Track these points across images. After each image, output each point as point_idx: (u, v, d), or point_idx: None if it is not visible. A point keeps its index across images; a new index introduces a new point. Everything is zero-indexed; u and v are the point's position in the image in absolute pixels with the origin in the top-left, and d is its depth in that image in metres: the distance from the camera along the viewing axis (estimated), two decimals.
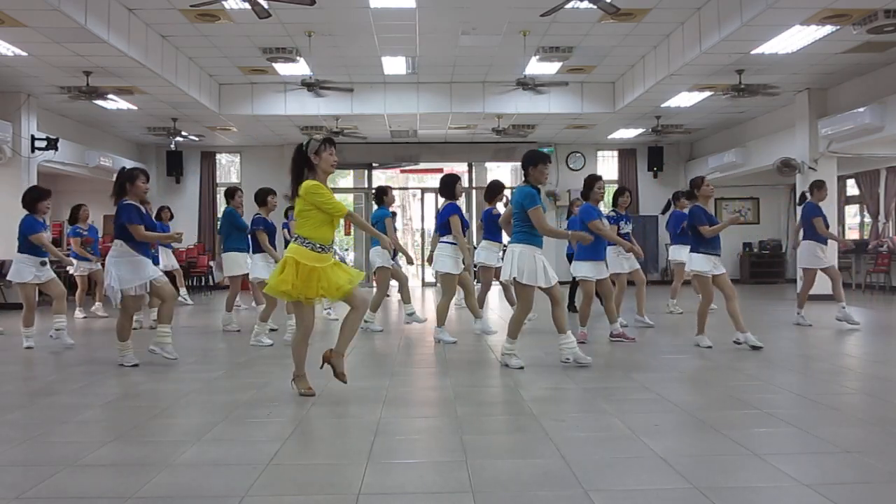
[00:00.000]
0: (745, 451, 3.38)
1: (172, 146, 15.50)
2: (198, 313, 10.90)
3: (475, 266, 8.34)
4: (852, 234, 16.11)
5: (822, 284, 12.12)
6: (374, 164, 17.60)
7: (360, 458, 3.34)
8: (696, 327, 6.77)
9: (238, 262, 8.19)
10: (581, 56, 11.28)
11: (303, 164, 4.63)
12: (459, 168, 19.09)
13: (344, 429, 3.98)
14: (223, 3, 8.38)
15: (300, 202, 4.54)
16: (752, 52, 9.68)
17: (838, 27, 8.69)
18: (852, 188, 15.67)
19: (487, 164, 18.63)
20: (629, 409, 4.33)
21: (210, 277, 15.73)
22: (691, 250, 6.77)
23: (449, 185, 7.42)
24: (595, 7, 7.98)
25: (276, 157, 16.71)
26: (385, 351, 6.89)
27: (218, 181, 17.48)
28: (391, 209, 8.63)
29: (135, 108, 12.66)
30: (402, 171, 19.94)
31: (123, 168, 6.25)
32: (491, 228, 7.99)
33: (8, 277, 7.56)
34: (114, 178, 6.03)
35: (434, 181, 20.23)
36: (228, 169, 18.28)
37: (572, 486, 2.92)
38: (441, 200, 7.55)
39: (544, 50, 10.85)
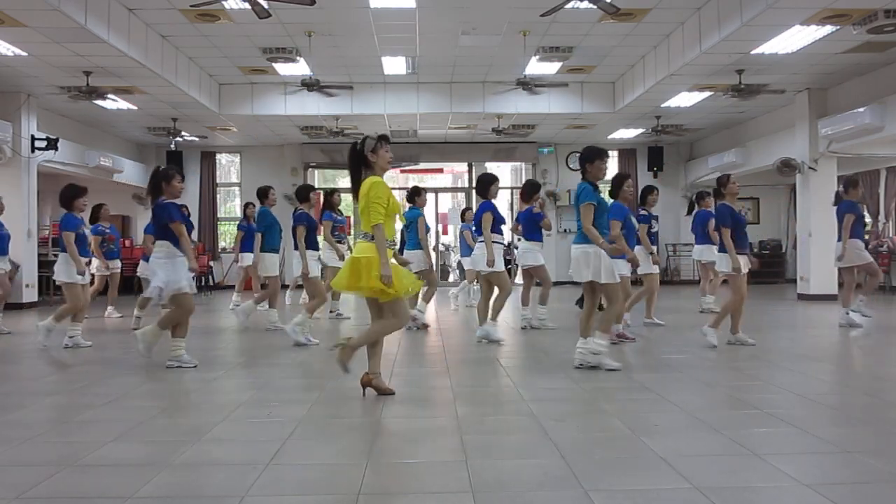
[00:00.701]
0: (745, 451, 3.38)
1: (172, 146, 15.50)
2: (198, 313, 10.86)
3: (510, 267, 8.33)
4: None
5: (822, 285, 12.16)
6: None
7: (360, 458, 3.34)
8: (712, 322, 6.69)
9: (270, 263, 8.26)
10: (581, 56, 11.28)
11: (360, 163, 4.62)
12: (459, 168, 19.11)
13: (344, 429, 3.98)
14: (223, 3, 8.39)
15: (364, 199, 4.50)
16: (752, 52, 9.68)
17: (838, 27, 8.69)
18: None
19: (487, 164, 18.63)
20: (629, 409, 4.33)
21: (210, 277, 15.73)
22: (719, 249, 6.77)
23: (485, 185, 7.41)
24: (595, 7, 7.98)
25: (276, 157, 16.73)
26: (385, 351, 6.87)
27: (218, 181, 17.51)
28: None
29: (135, 108, 12.66)
30: (402, 171, 19.94)
31: (158, 167, 6.12)
32: (530, 228, 8.00)
33: (54, 278, 7.42)
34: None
35: (434, 181, 20.23)
36: (228, 169, 18.30)
37: (572, 486, 2.92)
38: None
39: (544, 50, 10.86)
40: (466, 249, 10.61)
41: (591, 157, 5.58)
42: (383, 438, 3.68)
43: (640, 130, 15.41)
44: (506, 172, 19.42)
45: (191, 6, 8.44)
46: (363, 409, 4.42)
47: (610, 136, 16.15)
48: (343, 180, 19.74)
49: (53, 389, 5.17)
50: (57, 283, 7.37)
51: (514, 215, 10.84)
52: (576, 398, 4.70)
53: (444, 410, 4.40)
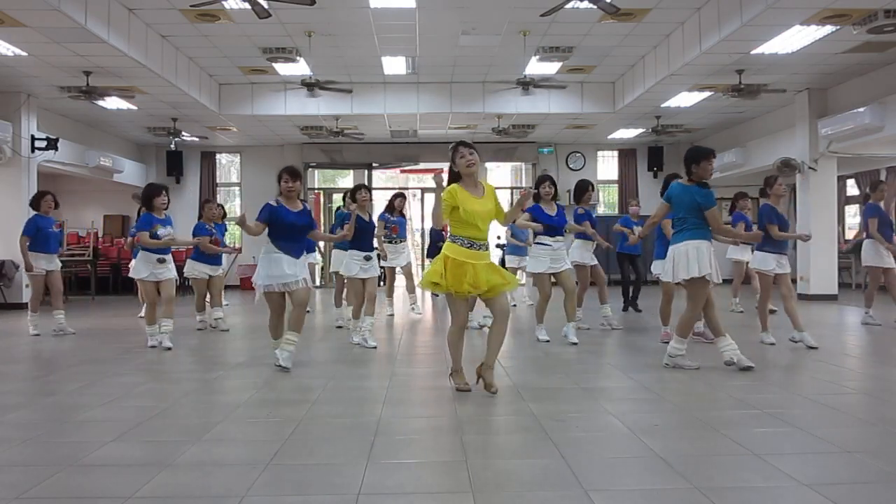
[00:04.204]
0: (745, 451, 3.38)
1: (172, 146, 15.51)
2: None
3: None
4: (852, 235, 16.10)
5: (822, 285, 12.15)
6: (374, 164, 17.60)
7: (360, 458, 3.33)
8: (760, 324, 6.91)
9: (338, 260, 8.31)
10: (581, 56, 11.28)
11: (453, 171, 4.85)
12: None
13: (344, 429, 3.98)
14: (223, 3, 8.39)
15: (494, 200, 4.86)
16: (752, 52, 9.68)
17: (838, 27, 8.69)
18: (852, 188, 15.67)
19: (487, 164, 18.61)
20: (629, 409, 4.33)
21: None
22: (757, 248, 6.89)
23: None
24: (595, 7, 7.98)
25: (276, 157, 16.71)
26: (385, 351, 6.89)
27: (218, 181, 17.51)
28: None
29: (135, 108, 12.66)
30: (403, 171, 19.93)
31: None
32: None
33: (130, 274, 7.58)
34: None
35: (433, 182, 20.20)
36: (228, 169, 18.29)
37: (572, 486, 2.92)
38: None
39: (544, 50, 10.85)
40: (513, 248, 10.77)
41: (697, 157, 5.53)
42: (383, 438, 3.68)
43: (640, 130, 15.40)
44: (506, 172, 19.40)
45: (191, 6, 8.43)
46: (363, 409, 4.42)
47: (610, 136, 16.14)
48: (343, 180, 19.73)
49: (53, 389, 5.17)
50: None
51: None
52: (576, 398, 4.70)
53: (444, 410, 4.40)
